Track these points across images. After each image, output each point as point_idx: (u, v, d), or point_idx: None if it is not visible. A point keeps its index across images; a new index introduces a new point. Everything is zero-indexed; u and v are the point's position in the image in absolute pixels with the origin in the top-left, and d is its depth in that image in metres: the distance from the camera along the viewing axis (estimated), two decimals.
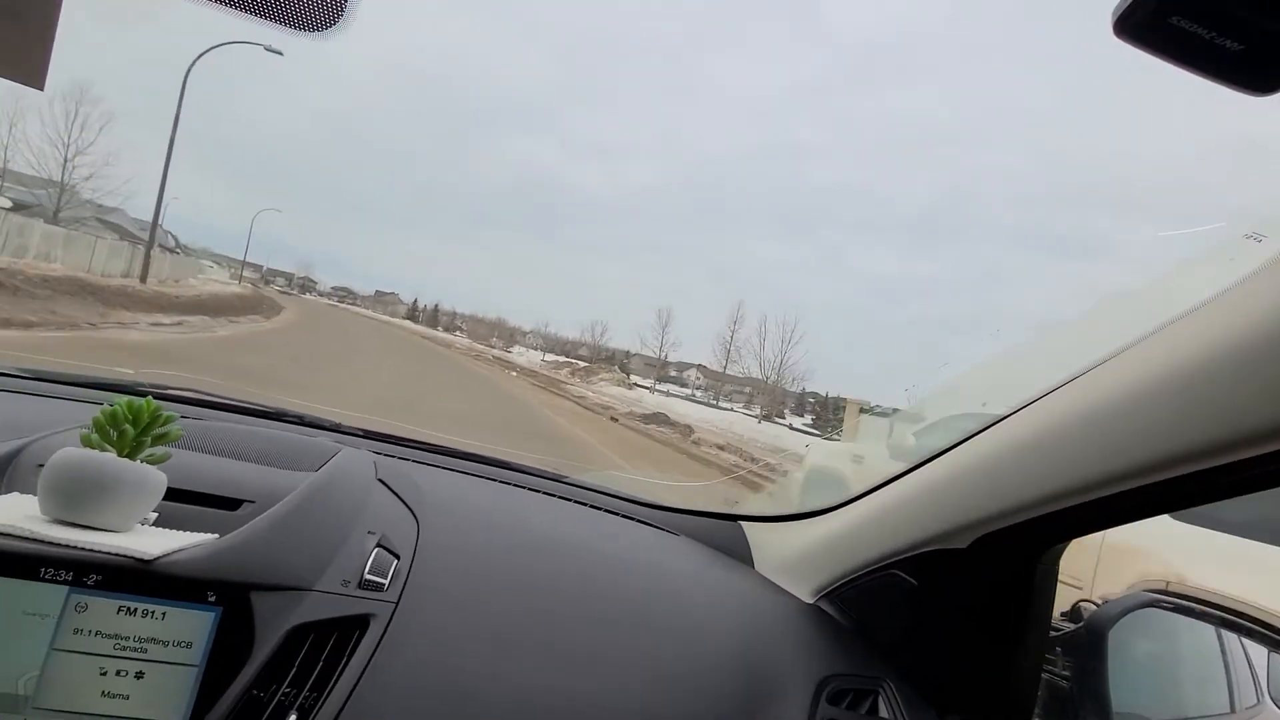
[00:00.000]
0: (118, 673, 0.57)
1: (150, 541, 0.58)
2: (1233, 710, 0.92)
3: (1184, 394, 0.53)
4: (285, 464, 0.83)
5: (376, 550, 0.73)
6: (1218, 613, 0.83)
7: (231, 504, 0.70)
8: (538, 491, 1.19)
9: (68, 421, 0.77)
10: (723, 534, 1.20)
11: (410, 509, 0.87)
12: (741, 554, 1.16)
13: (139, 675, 0.57)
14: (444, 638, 0.69)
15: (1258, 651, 0.91)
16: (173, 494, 0.66)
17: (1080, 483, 0.62)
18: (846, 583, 0.94)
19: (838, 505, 1.03)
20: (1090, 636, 0.80)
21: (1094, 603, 0.86)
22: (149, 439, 0.60)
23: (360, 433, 1.20)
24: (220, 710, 0.54)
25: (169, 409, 0.65)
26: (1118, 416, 0.58)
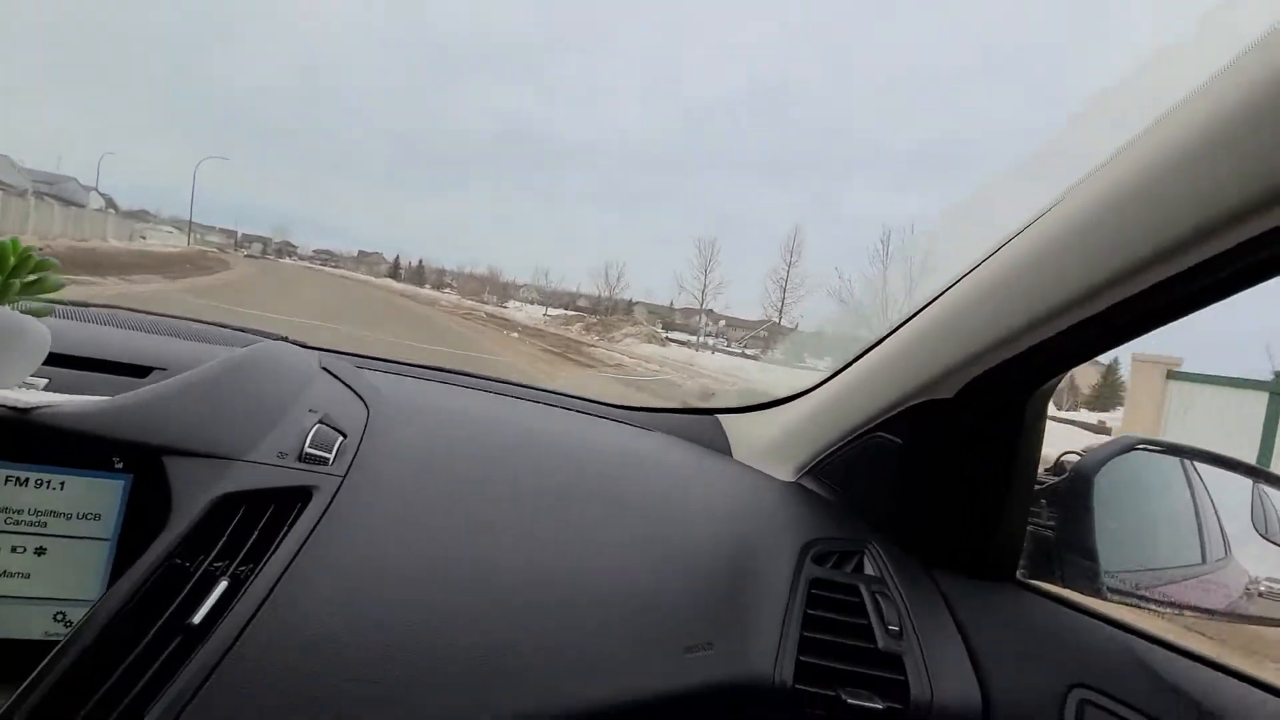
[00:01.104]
0: (13, 549, 0.50)
1: (28, 396, 0.50)
2: (1203, 561, 0.93)
3: (1141, 199, 0.50)
4: (211, 341, 0.74)
5: (319, 426, 0.66)
6: (1199, 450, 0.81)
7: (140, 371, 0.61)
8: (503, 396, 1.12)
9: None
10: (698, 428, 1.16)
11: (360, 396, 0.80)
12: (719, 445, 1.12)
13: (40, 551, 0.50)
14: (401, 512, 0.63)
15: (1226, 502, 0.91)
16: (67, 361, 0.58)
17: (1056, 305, 0.59)
18: (829, 455, 0.91)
19: (815, 386, 0.99)
20: (1075, 485, 0.78)
21: (1077, 454, 0.84)
22: (18, 283, 0.51)
23: (309, 346, 1.11)
24: (133, 578, 0.48)
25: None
26: (1085, 231, 0.56)
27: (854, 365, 0.88)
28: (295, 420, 0.66)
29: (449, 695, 0.51)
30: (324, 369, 0.83)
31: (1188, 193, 0.48)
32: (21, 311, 0.50)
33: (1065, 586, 0.78)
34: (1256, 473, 0.82)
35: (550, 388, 1.21)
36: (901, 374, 0.77)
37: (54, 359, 0.58)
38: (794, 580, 0.73)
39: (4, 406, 0.47)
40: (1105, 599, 0.77)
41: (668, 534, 0.76)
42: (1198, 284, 0.52)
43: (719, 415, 1.20)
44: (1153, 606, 0.78)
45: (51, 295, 0.53)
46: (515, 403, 1.10)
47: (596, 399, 1.25)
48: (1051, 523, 0.80)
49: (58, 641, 0.44)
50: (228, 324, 1.05)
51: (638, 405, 1.26)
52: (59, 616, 0.51)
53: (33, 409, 0.48)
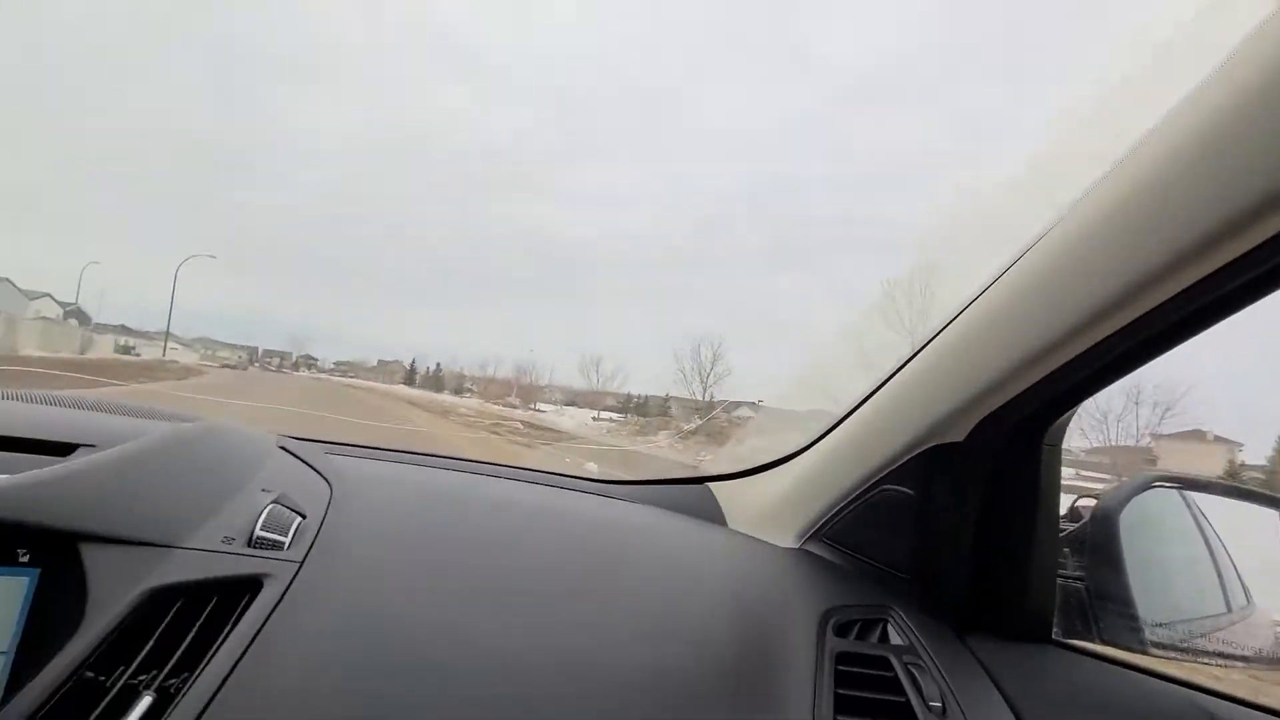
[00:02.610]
0: None
1: None
2: (1229, 610, 0.88)
3: (1140, 214, 0.50)
4: (155, 419, 0.66)
5: (273, 506, 0.58)
6: (1221, 482, 0.78)
7: (63, 449, 0.53)
8: (477, 475, 1.04)
9: None
10: (689, 498, 1.09)
11: (321, 474, 0.72)
12: (712, 515, 1.05)
13: None
14: (367, 601, 0.54)
15: (1243, 546, 0.88)
16: None
17: (1060, 333, 0.56)
18: (833, 516, 0.85)
19: (808, 445, 0.94)
20: (1100, 530, 0.74)
21: (1093, 497, 0.80)
22: None
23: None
24: (29, 699, 0.38)
25: None
26: (1083, 253, 0.55)
27: (851, 417, 0.85)
28: (245, 501, 0.58)
29: None
30: (281, 448, 0.75)
31: (1187, 203, 0.47)
32: None
33: (1104, 643, 0.72)
34: None
35: (527, 465, 1.14)
36: (905, 419, 0.73)
37: None
38: (817, 655, 0.65)
39: None
40: (1148, 653, 0.71)
41: (667, 610, 0.68)
42: (1206, 298, 0.51)
43: (709, 484, 1.14)
44: (1199, 659, 0.72)
45: None
46: (491, 480, 1.02)
47: (575, 474, 1.18)
48: (1080, 573, 0.74)
49: None
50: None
51: (619, 478, 1.19)
52: None
53: None
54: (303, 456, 0.75)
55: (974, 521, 0.71)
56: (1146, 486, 0.76)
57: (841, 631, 0.69)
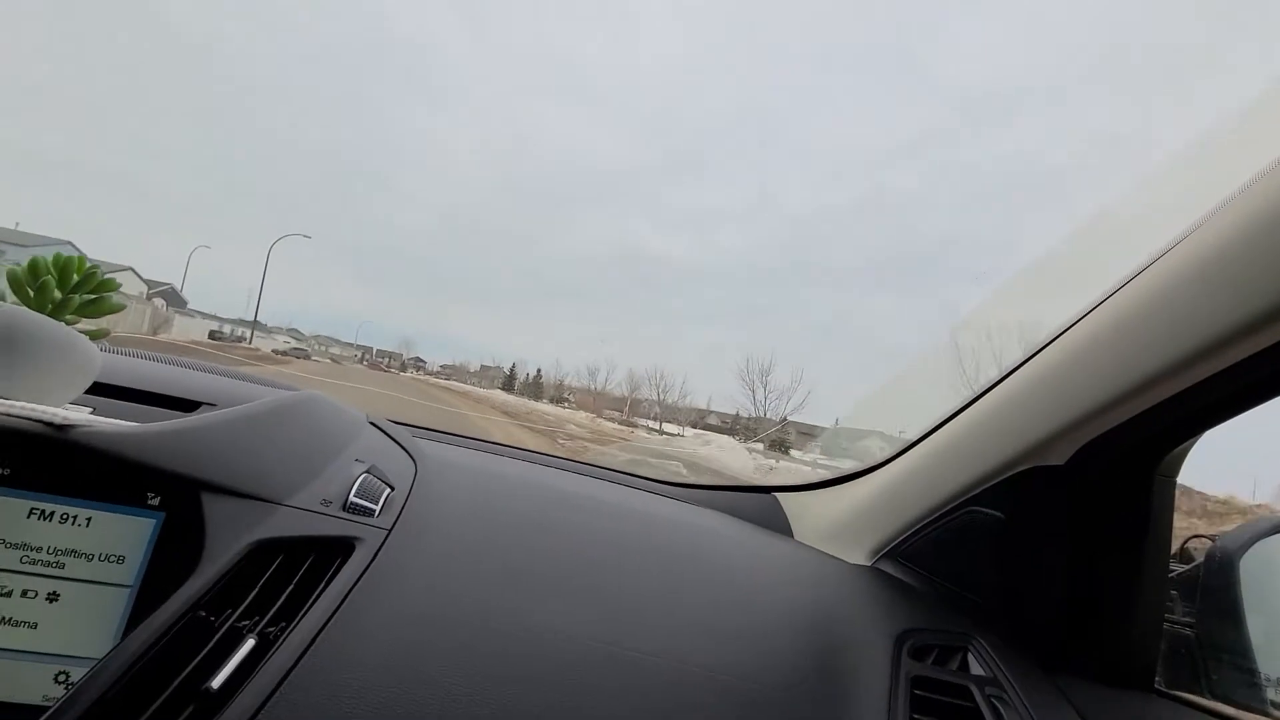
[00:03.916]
0: (24, 593, 0.44)
1: (64, 412, 0.45)
2: None
3: None
4: (261, 383, 0.71)
5: (365, 475, 0.60)
6: None
7: (187, 405, 0.57)
8: (550, 468, 1.06)
9: None
10: (754, 506, 1.08)
11: (407, 451, 0.75)
12: (779, 525, 1.03)
13: (52, 598, 0.44)
14: (449, 570, 0.56)
15: None
16: (114, 392, 0.55)
17: (1192, 350, 0.51)
18: (911, 535, 0.81)
19: (888, 459, 0.91)
20: (1217, 573, 0.68)
21: (1207, 538, 0.73)
22: (78, 299, 0.48)
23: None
24: (149, 630, 0.41)
25: None
26: (1224, 264, 0.49)
27: (937, 433, 0.81)
28: (342, 468, 0.61)
29: None
30: (372, 424, 0.79)
31: None
32: (78, 330, 0.47)
33: (1215, 697, 0.66)
34: None
35: (601, 463, 1.15)
36: (1000, 438, 0.69)
37: (100, 388, 0.54)
38: (892, 678, 0.62)
39: (39, 421, 0.43)
40: (1268, 714, 0.64)
41: (736, 617, 0.66)
42: None
43: (776, 493, 1.12)
44: None
45: (110, 317, 0.51)
46: (565, 474, 1.03)
47: (647, 475, 1.18)
48: (1189, 619, 0.68)
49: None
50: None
51: (686, 481, 1.18)
52: (61, 678, 0.44)
53: (69, 426, 0.43)
54: (391, 434, 0.78)
55: (1072, 553, 0.66)
56: (1274, 530, 0.69)
57: (917, 656, 0.66)
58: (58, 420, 0.43)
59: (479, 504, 0.69)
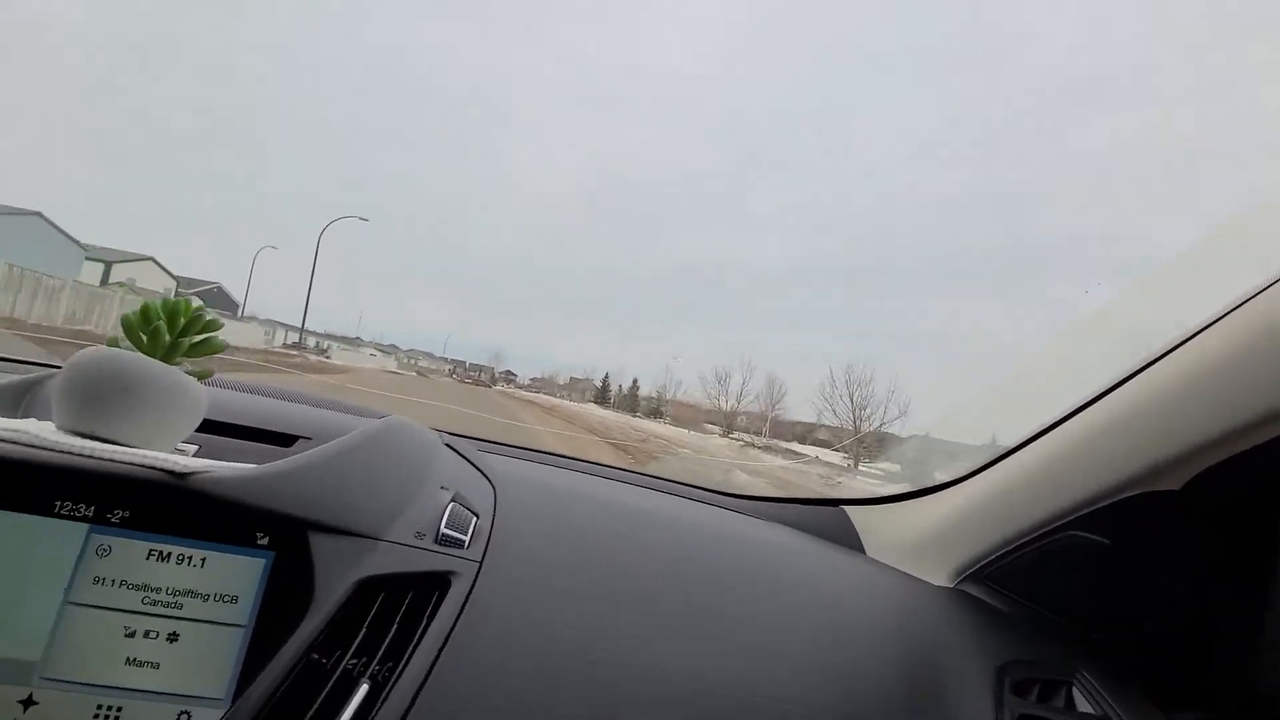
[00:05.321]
0: (146, 634, 0.45)
1: (184, 459, 0.46)
2: None
3: None
4: (345, 410, 0.72)
5: (453, 505, 0.60)
6: None
7: (285, 440, 0.58)
8: (609, 479, 1.06)
9: None
10: (822, 520, 1.05)
11: (484, 474, 0.75)
12: (849, 541, 1.01)
13: (172, 638, 0.45)
14: (542, 603, 0.56)
15: None
16: (216, 428, 0.56)
17: None
18: (1002, 556, 0.78)
19: (973, 472, 0.87)
20: None
21: None
22: (187, 343, 0.49)
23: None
24: (271, 676, 0.41)
25: None
26: None
27: (1028, 449, 0.77)
28: (429, 497, 0.61)
29: None
30: (448, 446, 0.79)
31: None
32: (186, 372, 0.48)
33: None
34: None
35: (663, 474, 1.14)
36: (1108, 458, 0.65)
37: (203, 424, 0.55)
38: (997, 715, 0.59)
39: (159, 469, 0.44)
40: None
41: (822, 642, 0.65)
42: None
43: (845, 506, 1.09)
44: None
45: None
46: (633, 489, 1.03)
47: (710, 486, 1.16)
48: None
49: None
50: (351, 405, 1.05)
51: (748, 493, 1.16)
52: (183, 718, 0.45)
53: (190, 474, 0.44)
54: (465, 455, 0.79)
55: (1190, 583, 0.62)
56: None
57: (1019, 690, 0.63)
58: (179, 469, 0.44)
59: (561, 527, 0.69)
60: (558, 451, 1.15)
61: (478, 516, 0.62)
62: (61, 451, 0.43)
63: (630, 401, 51.07)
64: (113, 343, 0.48)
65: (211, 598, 0.46)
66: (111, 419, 0.45)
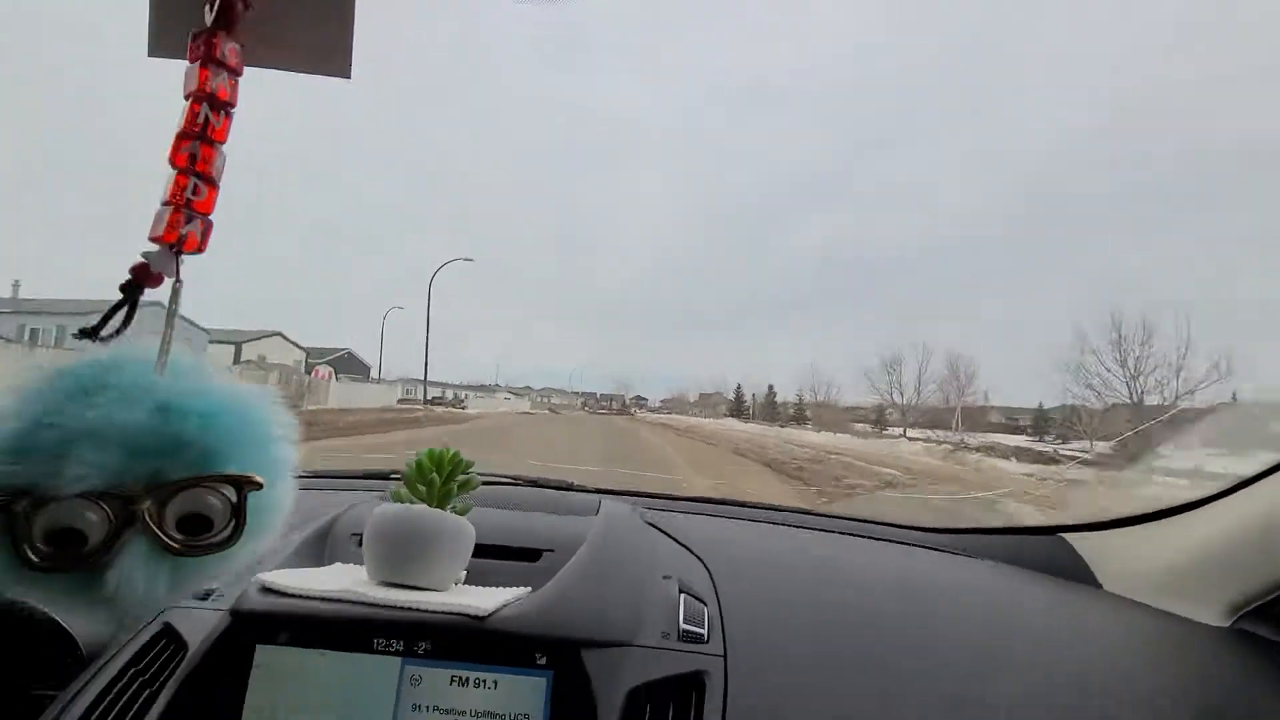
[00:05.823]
0: None
1: (475, 599, 0.53)
2: None
3: None
4: (564, 511, 0.77)
5: (684, 596, 0.63)
6: None
7: (532, 555, 0.64)
8: (795, 527, 1.04)
9: (359, 502, 0.78)
10: (1037, 552, 0.96)
11: (691, 550, 0.77)
12: (1077, 574, 0.91)
13: None
14: (788, 694, 0.56)
15: None
16: (475, 550, 0.62)
17: None
18: None
19: (1236, 486, 0.76)
20: None
21: None
22: (454, 486, 0.56)
23: (595, 489, 1.15)
24: None
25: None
26: None
27: None
28: (659, 591, 0.64)
29: None
30: (648, 524, 0.83)
31: None
32: (454, 510, 0.55)
33: None
34: None
35: (854, 515, 1.11)
36: None
37: None
38: None
39: (465, 616, 0.50)
40: None
41: (1096, 701, 0.58)
42: None
43: (1065, 534, 0.99)
44: None
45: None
46: (813, 534, 1.01)
47: (904, 523, 1.11)
48: None
49: None
50: (540, 479, 1.12)
51: (949, 526, 1.09)
52: None
53: (489, 615, 0.50)
54: (667, 531, 0.81)
55: None
56: None
57: None
58: (481, 614, 0.50)
59: (786, 603, 0.69)
60: (735, 499, 1.16)
61: (706, 606, 0.64)
62: (383, 606, 0.50)
63: (769, 410, 47.18)
64: (396, 496, 0.56)
65: (508, 717, 0.51)
66: (416, 570, 0.53)
